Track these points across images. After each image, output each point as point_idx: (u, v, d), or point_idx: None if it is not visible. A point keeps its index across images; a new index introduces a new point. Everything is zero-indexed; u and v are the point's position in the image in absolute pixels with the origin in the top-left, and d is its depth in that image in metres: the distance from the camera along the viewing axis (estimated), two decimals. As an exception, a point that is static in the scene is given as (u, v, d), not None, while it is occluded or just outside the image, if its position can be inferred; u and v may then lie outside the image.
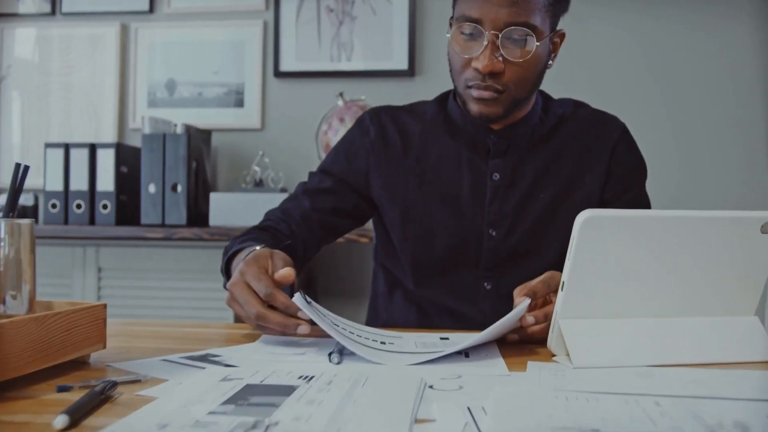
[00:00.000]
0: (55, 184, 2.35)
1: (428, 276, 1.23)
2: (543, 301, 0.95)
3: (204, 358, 0.85)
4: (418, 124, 1.27)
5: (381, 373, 0.75)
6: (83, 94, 2.71)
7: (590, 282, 0.83)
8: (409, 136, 1.26)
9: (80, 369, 0.78)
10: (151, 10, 2.67)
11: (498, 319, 0.87)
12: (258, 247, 1.02)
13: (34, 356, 0.71)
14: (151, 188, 2.32)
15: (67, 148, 2.36)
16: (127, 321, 1.15)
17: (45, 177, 2.36)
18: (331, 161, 1.30)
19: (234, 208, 2.26)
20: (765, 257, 0.88)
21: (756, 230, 0.85)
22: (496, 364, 0.82)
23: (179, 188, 2.31)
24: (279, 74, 2.60)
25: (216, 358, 0.85)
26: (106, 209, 2.34)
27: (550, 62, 1.17)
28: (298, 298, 0.86)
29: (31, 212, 2.43)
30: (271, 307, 0.90)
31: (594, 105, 1.30)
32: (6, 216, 0.78)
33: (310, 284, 2.49)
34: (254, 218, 1.31)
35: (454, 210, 1.21)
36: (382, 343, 0.91)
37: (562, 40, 1.19)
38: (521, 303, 0.89)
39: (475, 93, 1.12)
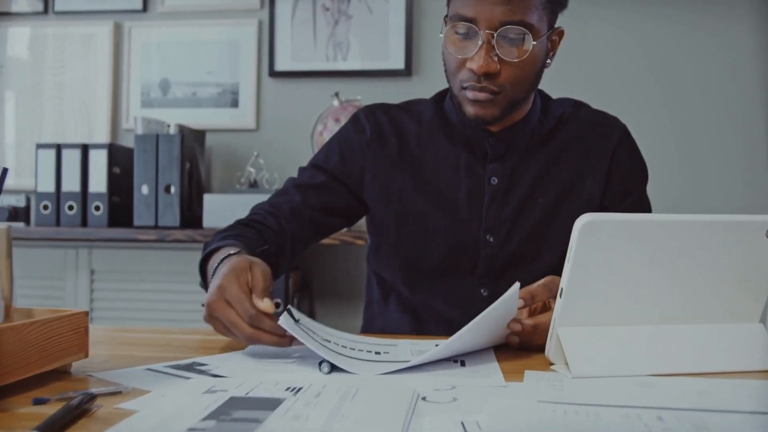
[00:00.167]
0: (47, 185, 2.32)
1: (423, 281, 1.20)
2: (542, 305, 0.93)
3: (190, 367, 0.82)
4: (415, 125, 1.24)
5: (372, 385, 0.72)
6: (76, 94, 2.68)
7: (590, 288, 0.81)
8: (405, 136, 1.23)
9: (60, 379, 0.75)
10: (145, 9, 2.64)
11: None
12: (233, 252, 0.97)
13: (9, 367, 0.68)
14: (144, 189, 2.29)
15: (58, 148, 2.33)
16: (114, 327, 1.12)
17: (36, 178, 2.33)
18: (324, 157, 1.25)
19: (228, 210, 2.22)
20: (770, 263, 0.85)
21: (760, 234, 0.83)
22: (492, 374, 0.79)
23: (173, 189, 2.28)
24: (274, 74, 2.57)
25: (202, 367, 0.82)
26: (99, 211, 2.30)
27: (549, 61, 1.14)
28: (284, 321, 0.82)
29: (23, 214, 2.40)
30: None
31: (594, 105, 1.27)
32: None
33: (305, 287, 2.46)
34: (248, 220, 1.28)
35: (451, 215, 1.18)
36: (376, 353, 0.88)
37: (561, 38, 1.15)
38: (510, 289, 0.84)
39: (470, 95, 1.08)
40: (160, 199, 2.28)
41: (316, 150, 2.32)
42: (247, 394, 0.67)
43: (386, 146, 1.22)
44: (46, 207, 2.31)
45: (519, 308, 0.91)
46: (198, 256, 1.07)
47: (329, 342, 0.87)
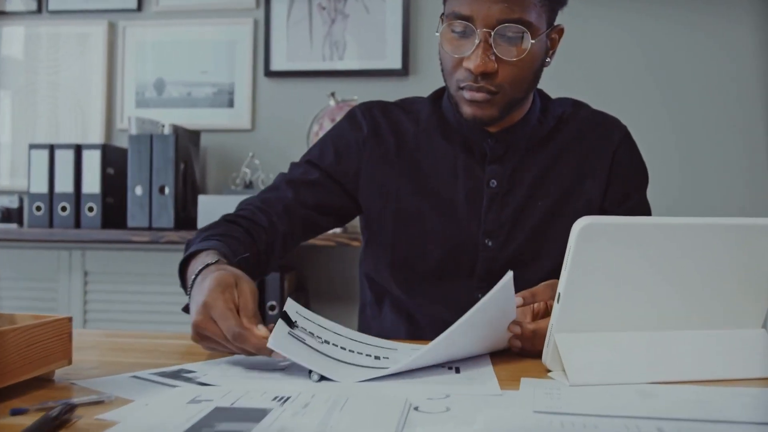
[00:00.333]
0: (40, 186, 2.30)
1: (419, 284, 1.18)
2: (544, 306, 0.91)
3: (177, 375, 0.80)
4: (412, 124, 1.21)
5: (362, 394, 0.70)
6: (70, 94, 2.66)
7: (588, 293, 0.79)
8: (402, 135, 1.20)
9: (42, 388, 0.73)
10: (140, 8, 2.62)
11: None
12: (212, 261, 0.91)
13: (-13, 376, 0.65)
14: (138, 190, 2.26)
15: (52, 149, 2.31)
16: (103, 331, 1.10)
17: (29, 179, 2.31)
18: (318, 153, 1.22)
19: (223, 211, 2.17)
20: (773, 267, 0.83)
21: (762, 238, 0.81)
22: (488, 381, 0.77)
23: (167, 190, 2.25)
24: (270, 74, 2.55)
25: (189, 375, 0.79)
26: (92, 212, 2.28)
27: (548, 60, 1.11)
28: (273, 343, 0.75)
29: (16, 215, 2.37)
30: None
31: (594, 105, 1.24)
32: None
33: (300, 288, 2.43)
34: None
35: (449, 217, 1.16)
36: (376, 358, 0.86)
37: (560, 36, 1.12)
38: (503, 278, 0.82)
39: (467, 95, 1.06)
40: (154, 200, 2.26)
41: (312, 150, 2.29)
42: (232, 404, 0.65)
43: (383, 144, 1.20)
44: (39, 208, 2.29)
45: (518, 306, 0.89)
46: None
47: (327, 343, 0.84)
